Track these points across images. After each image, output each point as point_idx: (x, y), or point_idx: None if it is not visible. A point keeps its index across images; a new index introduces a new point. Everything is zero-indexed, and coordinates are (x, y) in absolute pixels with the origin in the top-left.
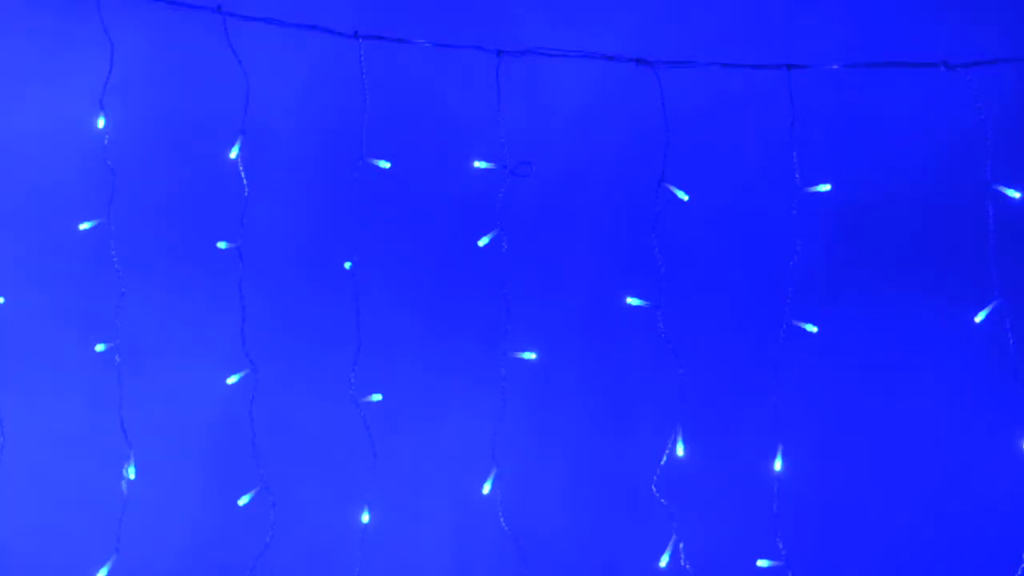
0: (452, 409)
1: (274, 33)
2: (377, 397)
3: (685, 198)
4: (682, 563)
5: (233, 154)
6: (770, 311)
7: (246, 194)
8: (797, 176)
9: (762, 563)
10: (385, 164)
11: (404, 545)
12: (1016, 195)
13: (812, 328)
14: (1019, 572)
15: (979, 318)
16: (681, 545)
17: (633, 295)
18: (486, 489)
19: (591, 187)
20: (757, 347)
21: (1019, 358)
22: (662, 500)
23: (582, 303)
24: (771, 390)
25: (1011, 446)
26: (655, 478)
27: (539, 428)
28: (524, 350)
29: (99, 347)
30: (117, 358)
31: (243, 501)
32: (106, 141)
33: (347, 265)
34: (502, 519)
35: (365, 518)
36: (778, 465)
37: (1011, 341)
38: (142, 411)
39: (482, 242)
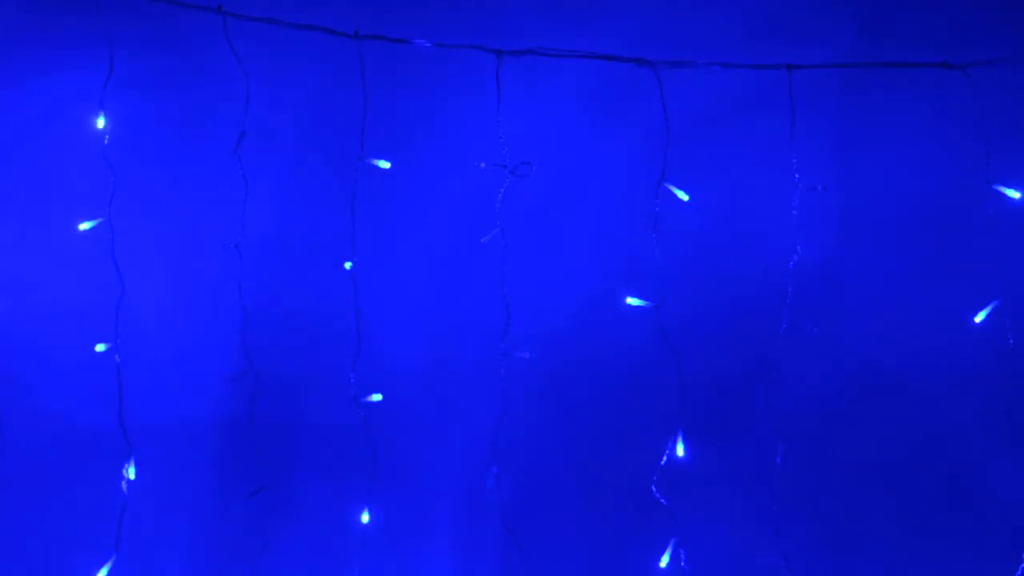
0: (452, 409)
1: (274, 33)
2: (377, 397)
3: (685, 198)
4: (682, 563)
5: (232, 154)
6: (770, 311)
7: (246, 194)
8: (797, 176)
9: (762, 562)
10: (385, 164)
11: (404, 545)
12: (1016, 195)
13: (812, 328)
14: (1019, 572)
15: (979, 318)
16: (681, 545)
17: (633, 295)
18: (487, 489)
19: (591, 187)
20: (757, 347)
21: (1019, 358)
22: (662, 500)
23: (582, 303)
24: (771, 390)
25: (1011, 446)
26: (655, 478)
27: (539, 428)
28: (524, 350)
29: (99, 347)
30: (117, 358)
31: (242, 500)
32: (106, 141)
33: (347, 265)
34: (502, 519)
35: (365, 518)
36: (777, 465)
37: (1011, 341)
38: (142, 411)
39: (483, 241)
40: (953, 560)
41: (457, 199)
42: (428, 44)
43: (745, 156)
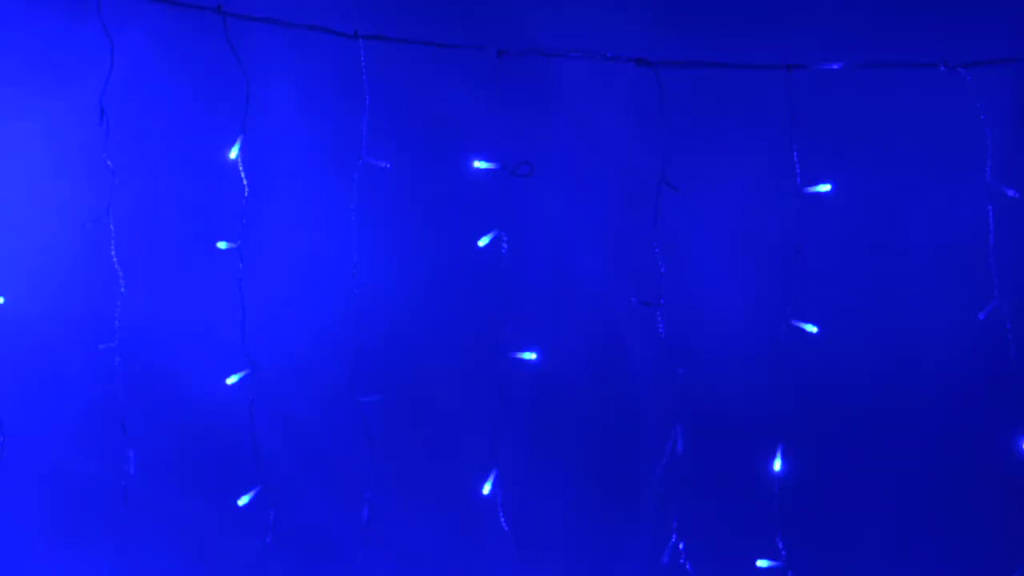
0: (452, 409)
1: (274, 33)
2: (377, 397)
3: (686, 198)
4: (682, 563)
5: (233, 154)
6: (770, 311)
7: (246, 194)
8: (797, 176)
9: (762, 563)
10: (385, 164)
11: (404, 545)
12: (1016, 195)
13: (812, 328)
14: (1019, 573)
15: (979, 318)
16: (681, 545)
17: (633, 295)
18: (486, 489)
19: (591, 187)
20: (757, 347)
21: (1019, 358)
22: (662, 500)
23: (582, 303)
24: (771, 390)
25: (1011, 446)
26: (655, 478)
27: (539, 428)
28: (524, 350)
29: (100, 346)
30: (117, 358)
31: (243, 501)
32: (106, 141)
33: (348, 266)
34: (502, 519)
35: (365, 518)
36: (778, 465)
37: (1011, 341)
38: (142, 411)
39: (482, 242)
40: (953, 560)
41: (457, 199)
42: (428, 44)
43: (745, 156)
